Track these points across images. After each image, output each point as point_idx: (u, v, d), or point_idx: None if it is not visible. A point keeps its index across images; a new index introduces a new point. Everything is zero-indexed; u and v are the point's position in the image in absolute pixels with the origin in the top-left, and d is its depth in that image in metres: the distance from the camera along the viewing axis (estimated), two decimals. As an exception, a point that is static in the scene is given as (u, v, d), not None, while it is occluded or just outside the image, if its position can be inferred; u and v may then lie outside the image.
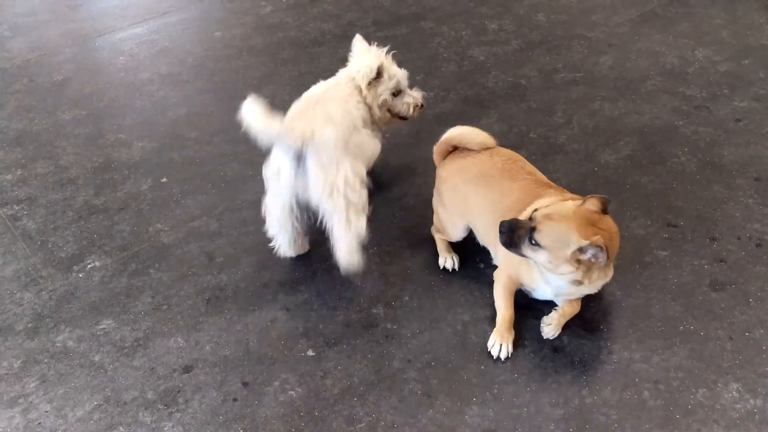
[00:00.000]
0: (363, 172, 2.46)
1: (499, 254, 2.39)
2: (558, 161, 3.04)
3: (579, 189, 2.86)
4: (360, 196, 2.39)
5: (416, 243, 2.70)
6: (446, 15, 4.22)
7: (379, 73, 2.71)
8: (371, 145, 2.74)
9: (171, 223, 2.88)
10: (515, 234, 2.12)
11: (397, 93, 2.81)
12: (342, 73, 2.82)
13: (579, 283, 2.13)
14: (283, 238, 2.59)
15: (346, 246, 2.38)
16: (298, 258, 2.66)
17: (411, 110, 2.86)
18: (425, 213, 2.81)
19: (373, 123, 2.81)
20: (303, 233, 2.61)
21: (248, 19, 4.40)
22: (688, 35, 3.81)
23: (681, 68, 3.55)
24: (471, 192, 2.44)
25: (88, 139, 3.39)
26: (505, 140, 3.18)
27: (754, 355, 2.21)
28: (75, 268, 2.70)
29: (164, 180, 3.11)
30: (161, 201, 3.00)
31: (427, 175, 3.02)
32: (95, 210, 2.97)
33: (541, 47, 3.83)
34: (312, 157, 2.31)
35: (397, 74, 2.80)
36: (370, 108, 2.77)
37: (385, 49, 2.82)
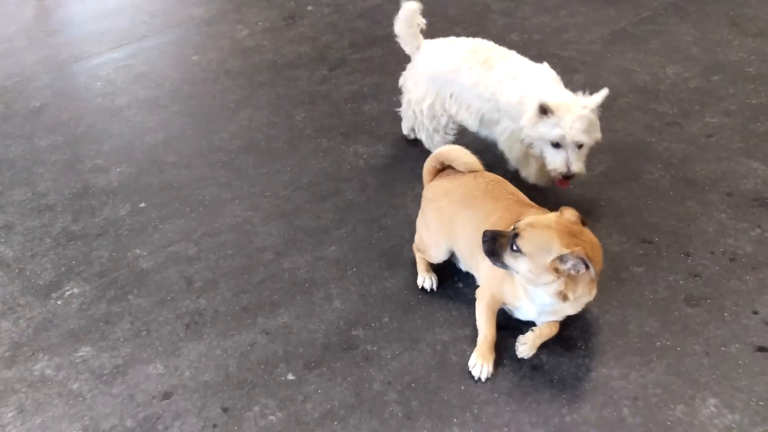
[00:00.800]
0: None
1: (482, 273, 2.42)
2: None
3: (555, 206, 2.88)
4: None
5: (395, 264, 2.71)
6: (423, 36, 4.25)
7: None
8: None
9: (149, 248, 2.88)
10: (497, 242, 2.15)
11: None
12: None
13: (563, 296, 2.14)
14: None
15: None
16: (277, 281, 2.67)
17: None
18: (404, 233, 2.84)
19: None
20: None
21: (225, 42, 4.42)
22: (658, 52, 3.87)
23: (652, 85, 3.60)
24: (456, 212, 2.48)
25: (66, 165, 3.38)
26: (482, 159, 3.19)
27: (730, 370, 2.24)
28: (53, 295, 2.69)
29: (142, 205, 3.11)
30: (140, 226, 2.99)
31: (405, 196, 3.04)
32: (73, 236, 2.96)
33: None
34: None
35: None
36: None
37: None
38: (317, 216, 2.98)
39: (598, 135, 2.74)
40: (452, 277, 2.62)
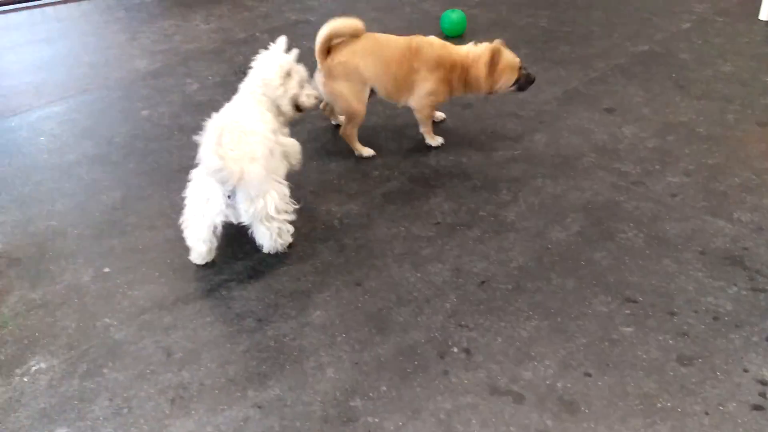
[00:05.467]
0: (286, 191, 2.93)
1: (418, 93, 3.57)
2: (511, 239, 3.07)
3: (536, 266, 2.91)
4: (288, 212, 2.94)
5: (385, 328, 2.64)
6: (378, 93, 4.26)
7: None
8: (293, 146, 3.21)
9: (120, 316, 2.71)
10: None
11: (301, 86, 3.22)
12: (245, 91, 3.18)
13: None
14: (201, 249, 2.91)
15: (271, 243, 2.93)
16: (263, 350, 2.55)
17: (312, 101, 3.28)
18: (389, 296, 2.77)
19: (282, 122, 3.22)
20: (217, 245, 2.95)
21: (175, 97, 4.30)
22: (612, 112, 4.00)
23: (612, 145, 3.70)
24: (370, 60, 3.47)
25: (17, 226, 3.17)
26: (456, 218, 3.20)
27: (731, 429, 2.26)
28: (17, 371, 2.48)
29: (107, 270, 2.94)
30: (106, 293, 2.82)
31: (386, 256, 2.99)
32: (33, 305, 2.76)
33: (475, 125, 3.91)
34: (242, 192, 2.74)
35: (300, 69, 3.24)
36: (278, 108, 3.18)
37: (280, 43, 3.24)
38: (296, 279, 2.88)
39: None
40: (448, 342, 2.57)
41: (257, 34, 5.08)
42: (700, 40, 4.87)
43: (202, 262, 2.96)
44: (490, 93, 3.66)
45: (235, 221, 2.83)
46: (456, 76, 3.56)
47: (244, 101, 3.12)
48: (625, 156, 3.61)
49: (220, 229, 2.86)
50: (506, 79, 3.60)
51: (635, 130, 3.83)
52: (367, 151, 3.70)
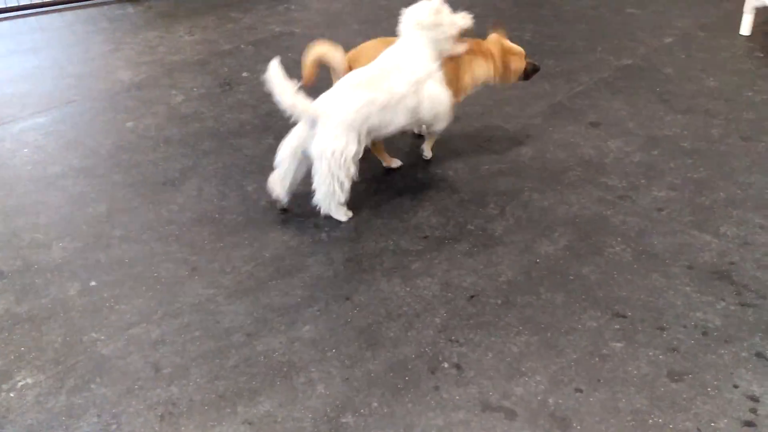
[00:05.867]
0: (350, 153, 3.12)
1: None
2: (500, 253, 3.08)
3: (525, 280, 2.92)
4: (342, 169, 3.11)
5: (376, 343, 2.63)
6: (365, 106, 4.26)
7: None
8: (432, 99, 3.30)
9: (107, 331, 2.67)
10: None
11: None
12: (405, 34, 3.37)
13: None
14: (280, 170, 3.23)
15: (321, 194, 3.18)
16: (252, 365, 2.53)
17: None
18: (380, 310, 2.76)
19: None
20: (292, 180, 3.26)
21: (160, 108, 4.27)
22: (598, 126, 4.02)
23: (598, 159, 3.73)
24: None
25: (0, 240, 3.13)
26: (444, 231, 3.20)
27: (721, 445, 2.27)
28: (4, 386, 2.44)
29: (93, 283, 2.90)
30: (93, 307, 2.78)
31: (375, 270, 2.98)
32: (19, 320, 2.72)
33: (461, 139, 3.92)
34: (320, 126, 3.10)
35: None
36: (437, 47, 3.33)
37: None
38: (285, 293, 2.87)
39: None
40: (438, 356, 2.56)
41: (242, 45, 5.07)
42: (683, 54, 4.93)
43: (278, 190, 3.27)
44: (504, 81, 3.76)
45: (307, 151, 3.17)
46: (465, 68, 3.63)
47: (405, 43, 3.35)
48: (611, 170, 3.64)
49: (298, 157, 3.20)
50: (516, 67, 3.72)
51: (620, 144, 3.86)
52: (396, 162, 3.73)
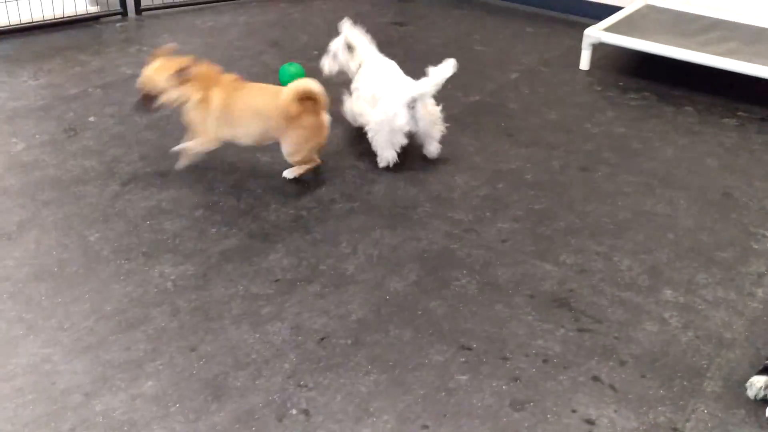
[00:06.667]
0: None
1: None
2: (351, 291, 3.09)
3: (375, 318, 2.94)
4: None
5: (222, 395, 2.55)
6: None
7: None
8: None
9: (-73, 402, 2.48)
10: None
11: None
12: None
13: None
14: (391, 154, 4.00)
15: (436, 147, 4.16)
16: (90, 427, 2.40)
17: None
18: (226, 359, 2.70)
19: None
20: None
21: (-3, 157, 4.05)
22: (446, 162, 4.13)
23: (446, 194, 3.82)
24: None
25: None
26: (296, 273, 3.18)
27: (561, 470, 2.34)
28: None
29: None
30: None
31: (223, 318, 2.92)
32: None
33: (316, 177, 3.92)
34: (420, 104, 3.90)
35: None
36: None
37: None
38: (127, 347, 2.75)
39: None
40: (286, 403, 2.52)
41: (90, 89, 4.89)
42: (527, 89, 5.15)
43: (395, 159, 4.01)
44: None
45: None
46: None
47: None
48: (458, 204, 3.74)
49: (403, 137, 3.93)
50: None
51: (467, 178, 3.98)
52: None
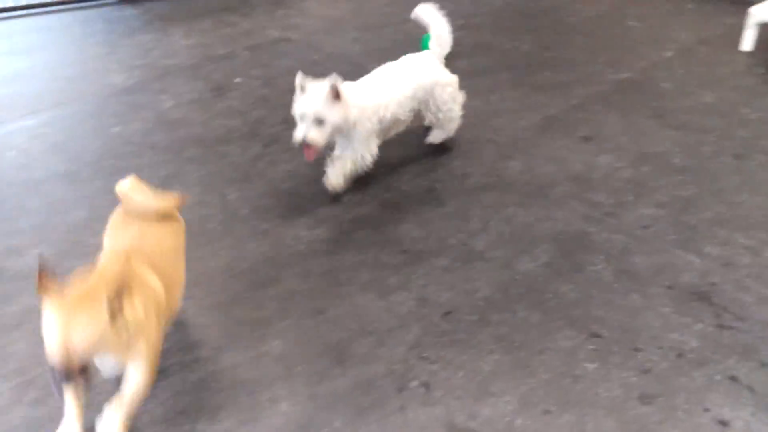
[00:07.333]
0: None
1: None
2: (479, 268, 3.03)
3: (502, 297, 2.87)
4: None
5: (344, 360, 2.58)
6: (355, 115, 4.21)
7: None
8: None
9: (74, 341, 2.64)
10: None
11: None
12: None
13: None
14: None
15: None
16: (217, 380, 2.49)
17: None
18: (351, 325, 2.72)
19: None
20: None
21: (148, 113, 4.25)
22: (589, 141, 3.97)
23: (587, 174, 3.67)
24: None
25: (-24, 245, 3.11)
26: (425, 245, 3.16)
27: (690, 474, 2.21)
28: (-36, 396, 2.42)
29: (65, 292, 2.87)
30: (62, 316, 2.75)
31: (351, 284, 2.94)
32: (-14, 327, 2.69)
33: (451, 151, 3.88)
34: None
35: None
36: None
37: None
38: (258, 306, 2.83)
39: (339, 114, 3.28)
40: (407, 375, 2.52)
41: (237, 50, 5.05)
42: (682, 69, 4.86)
43: None
44: None
45: None
46: None
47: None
48: (599, 186, 3.58)
49: None
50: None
51: (611, 159, 3.80)
52: None
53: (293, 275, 2.99)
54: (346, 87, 3.32)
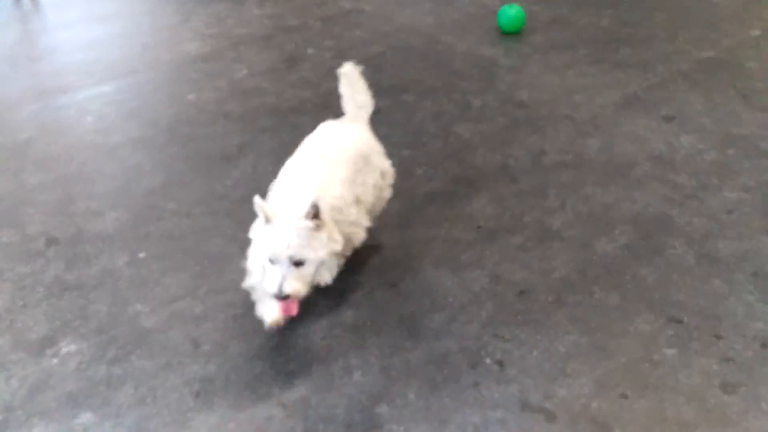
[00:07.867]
0: None
1: None
2: (555, 248, 2.97)
3: (579, 278, 2.80)
4: None
5: (417, 334, 2.56)
6: (428, 88, 4.17)
7: None
8: None
9: (151, 304, 2.69)
10: None
11: None
12: None
13: None
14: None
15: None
16: (292, 347, 2.50)
17: None
18: (423, 300, 2.70)
19: None
20: None
21: (222, 82, 4.27)
22: (671, 121, 3.84)
23: (668, 155, 3.55)
24: None
25: (57, 206, 3.18)
26: (499, 222, 3.11)
27: (775, 467, 2.14)
28: (48, 352, 2.48)
29: (142, 255, 2.92)
30: (139, 279, 2.80)
31: (423, 258, 2.91)
32: (68, 286, 2.76)
33: (526, 126, 3.80)
34: None
35: None
36: None
37: None
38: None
39: (322, 246, 2.36)
40: (480, 351, 2.48)
41: (310, 21, 5.03)
42: (769, 48, 4.66)
43: None
44: None
45: None
46: None
47: None
48: (681, 167, 3.46)
49: None
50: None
51: (694, 140, 3.67)
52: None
53: (366, 248, 2.97)
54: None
